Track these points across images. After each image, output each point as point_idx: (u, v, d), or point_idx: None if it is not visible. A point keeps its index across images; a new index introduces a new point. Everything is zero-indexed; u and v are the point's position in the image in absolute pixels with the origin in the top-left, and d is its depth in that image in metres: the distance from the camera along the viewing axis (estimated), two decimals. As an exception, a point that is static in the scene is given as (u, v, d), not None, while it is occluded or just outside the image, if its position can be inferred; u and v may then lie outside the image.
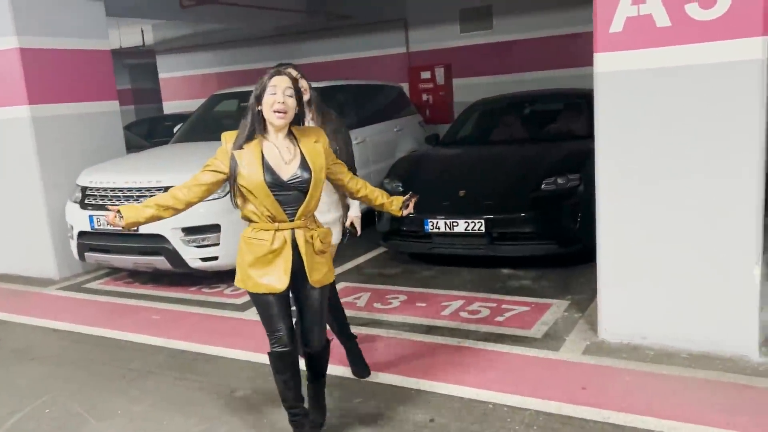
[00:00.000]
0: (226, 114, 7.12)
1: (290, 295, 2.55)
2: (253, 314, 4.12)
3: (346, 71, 11.35)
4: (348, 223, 3.22)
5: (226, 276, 5.14)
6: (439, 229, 4.86)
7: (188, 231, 4.86)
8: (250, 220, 2.49)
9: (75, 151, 5.98)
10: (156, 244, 4.94)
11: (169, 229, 4.85)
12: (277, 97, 2.38)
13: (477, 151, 6.00)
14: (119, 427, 3.01)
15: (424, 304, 4.33)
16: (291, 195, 2.42)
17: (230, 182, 2.43)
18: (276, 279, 2.44)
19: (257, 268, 2.44)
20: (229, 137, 2.47)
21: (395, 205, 2.76)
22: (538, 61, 9.98)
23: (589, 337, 3.56)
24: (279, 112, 2.39)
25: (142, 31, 14.14)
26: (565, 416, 2.76)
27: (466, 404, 2.93)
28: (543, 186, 4.84)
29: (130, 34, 14.67)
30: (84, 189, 5.36)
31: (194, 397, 3.26)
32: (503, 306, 4.19)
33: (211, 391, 3.31)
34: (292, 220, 2.44)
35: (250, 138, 2.44)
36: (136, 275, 5.69)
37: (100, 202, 5.20)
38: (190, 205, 2.48)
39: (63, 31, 5.92)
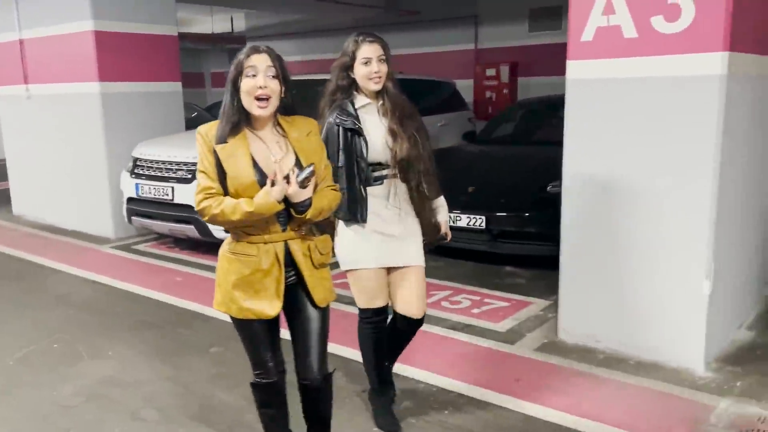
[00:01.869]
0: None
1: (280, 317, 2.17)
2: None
3: (415, 65, 11.56)
4: (443, 231, 2.75)
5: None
6: (443, 222, 5.03)
7: (215, 204, 5.32)
8: (237, 230, 2.06)
9: (137, 126, 6.62)
10: (188, 213, 5.45)
11: (199, 200, 5.36)
12: (257, 80, 1.95)
13: (503, 149, 6.09)
14: (104, 365, 3.50)
15: (410, 291, 4.54)
16: (284, 200, 1.99)
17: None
18: (267, 303, 2.05)
19: (242, 290, 2.05)
20: (206, 130, 2.05)
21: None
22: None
23: (550, 336, 3.65)
24: (260, 99, 1.96)
25: (232, 19, 15.07)
26: (485, 402, 2.92)
27: (401, 380, 3.14)
28: (549, 188, 4.88)
29: (222, 21, 15.66)
30: (135, 160, 5.99)
31: (178, 349, 3.69)
32: (485, 300, 4.33)
33: (193, 345, 3.73)
34: (284, 230, 2.06)
35: (234, 131, 2.01)
36: (179, 241, 6.27)
37: (146, 173, 5.80)
38: None
39: (135, 16, 6.56)
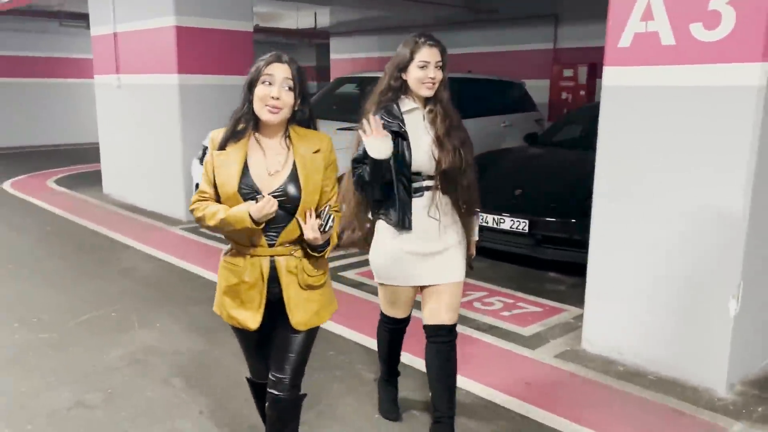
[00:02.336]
0: (346, 96, 7.81)
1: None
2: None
3: (490, 64, 11.50)
4: (470, 252, 2.63)
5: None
6: (487, 223, 5.05)
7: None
8: (229, 238, 2.06)
9: (211, 116, 6.99)
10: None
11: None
12: (272, 89, 1.91)
13: (559, 153, 6.00)
14: (149, 335, 3.82)
15: (445, 289, 4.61)
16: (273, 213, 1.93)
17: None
18: (250, 316, 2.03)
19: (230, 298, 2.05)
20: (215, 135, 2.04)
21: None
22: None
23: (573, 344, 3.62)
24: (271, 107, 1.93)
25: (315, 14, 15.51)
26: (490, 402, 2.97)
27: (412, 372, 3.24)
28: (597, 195, 4.78)
29: (307, 17, 16.16)
30: (205, 148, 6.38)
31: (217, 326, 3.95)
32: (518, 304, 4.33)
33: (231, 324, 3.99)
34: (273, 245, 1.99)
35: (238, 136, 1.99)
36: (241, 227, 6.63)
37: (212, 161, 6.18)
38: None
39: (213, 12, 6.99)
